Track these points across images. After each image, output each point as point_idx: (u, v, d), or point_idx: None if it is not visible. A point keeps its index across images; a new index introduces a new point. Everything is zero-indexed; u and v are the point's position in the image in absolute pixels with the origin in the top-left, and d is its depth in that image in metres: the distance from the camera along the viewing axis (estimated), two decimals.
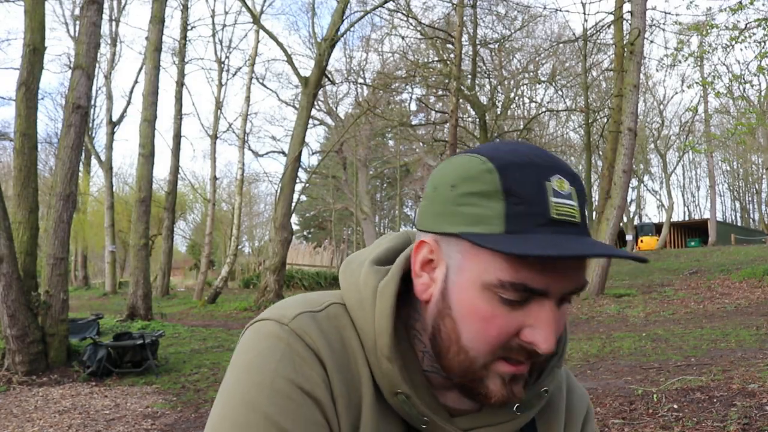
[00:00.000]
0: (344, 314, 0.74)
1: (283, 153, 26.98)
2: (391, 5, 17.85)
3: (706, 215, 42.81)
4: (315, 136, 58.94)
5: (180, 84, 21.82)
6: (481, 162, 0.67)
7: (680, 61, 15.19)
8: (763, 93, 23.81)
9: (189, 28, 22.13)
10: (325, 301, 0.75)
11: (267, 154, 37.79)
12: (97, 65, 8.95)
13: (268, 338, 0.70)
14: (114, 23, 25.94)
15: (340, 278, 0.78)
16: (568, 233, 0.64)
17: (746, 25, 13.99)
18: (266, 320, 0.72)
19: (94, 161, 30.01)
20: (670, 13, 22.43)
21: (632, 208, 39.67)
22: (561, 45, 23.15)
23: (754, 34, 13.82)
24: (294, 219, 36.71)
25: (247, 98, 22.59)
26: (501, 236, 0.63)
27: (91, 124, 28.23)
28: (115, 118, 26.50)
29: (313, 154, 31.71)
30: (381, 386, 0.71)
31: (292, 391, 0.67)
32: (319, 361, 0.69)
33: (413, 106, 28.98)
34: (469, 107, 23.33)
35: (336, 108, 31.00)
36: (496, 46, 22.93)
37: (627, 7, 15.00)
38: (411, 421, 0.72)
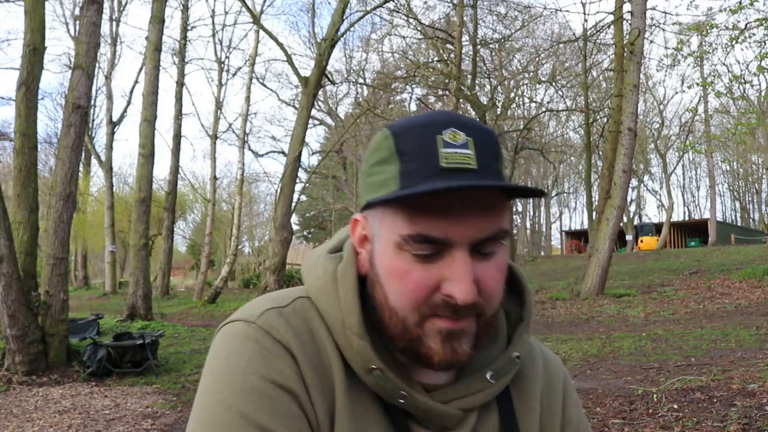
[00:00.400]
0: (310, 306, 0.76)
1: (283, 153, 26.98)
2: (391, 5, 17.87)
3: (706, 215, 42.81)
4: (315, 136, 59.04)
5: (180, 84, 21.82)
6: (383, 132, 0.71)
7: (680, 62, 15.19)
8: (763, 93, 23.81)
9: (189, 28, 22.13)
10: (290, 297, 0.77)
11: (267, 154, 37.81)
12: (97, 65, 8.95)
13: (237, 338, 0.72)
14: (114, 23, 25.96)
15: (302, 273, 0.80)
16: (460, 179, 0.64)
17: (746, 25, 13.99)
18: (235, 321, 0.73)
19: (94, 161, 30.02)
20: (670, 13, 22.47)
21: (632, 208, 39.69)
22: (561, 45, 23.15)
23: (753, 34, 13.83)
24: (294, 219, 36.74)
25: (247, 98, 22.60)
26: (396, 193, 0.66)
27: (91, 124, 28.23)
28: (115, 118, 26.51)
29: (313, 154, 31.71)
30: (354, 366, 0.72)
31: (265, 387, 0.68)
32: (289, 354, 0.70)
33: (413, 106, 28.97)
34: (469, 107, 23.31)
35: (336, 108, 31.00)
36: (497, 46, 22.92)
37: (627, 7, 15.00)
38: (387, 398, 0.72)
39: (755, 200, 47.93)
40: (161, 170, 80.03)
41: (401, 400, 0.72)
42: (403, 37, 21.68)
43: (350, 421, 0.71)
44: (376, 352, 0.71)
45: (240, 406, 0.67)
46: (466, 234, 0.65)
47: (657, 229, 36.01)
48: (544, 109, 26.37)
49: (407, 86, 24.23)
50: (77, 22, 24.86)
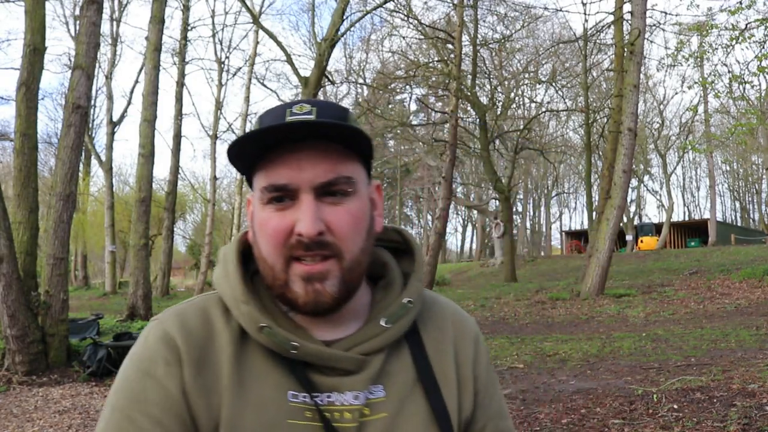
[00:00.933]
0: (213, 296, 0.85)
1: None
2: (391, 5, 17.86)
3: (706, 215, 42.81)
4: None
5: (180, 84, 21.83)
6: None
7: (681, 63, 15.18)
8: (763, 93, 23.81)
9: (189, 28, 22.14)
10: (201, 295, 0.86)
11: None
12: (97, 65, 8.95)
13: (140, 337, 0.82)
14: (114, 23, 25.96)
15: None
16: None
17: (746, 25, 13.99)
18: (146, 327, 0.84)
19: (94, 161, 30.02)
20: (670, 14, 22.41)
21: (632, 208, 39.69)
22: (561, 45, 23.15)
23: (753, 34, 13.83)
24: None
25: (247, 98, 22.61)
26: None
27: (91, 124, 28.24)
28: (115, 118, 26.52)
29: None
30: (248, 330, 0.79)
31: (136, 379, 0.77)
32: (170, 341, 0.78)
33: (413, 106, 28.98)
34: (469, 107, 23.32)
35: None
36: (497, 46, 22.91)
37: (627, 7, 14.99)
38: (282, 351, 0.77)
39: (755, 200, 47.98)
40: (161, 170, 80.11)
41: (293, 351, 0.77)
42: (403, 37, 21.69)
43: (240, 382, 0.77)
44: (263, 313, 0.79)
45: (116, 401, 0.77)
46: (306, 178, 0.75)
47: (657, 229, 36.00)
48: (544, 109, 26.36)
49: (407, 86, 24.23)
50: (77, 22, 24.84)
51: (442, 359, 0.86)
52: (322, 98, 28.98)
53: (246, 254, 0.85)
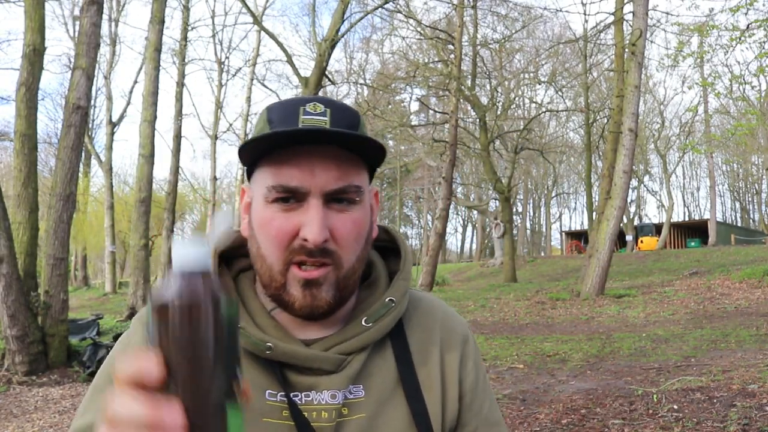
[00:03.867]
0: None
1: None
2: (391, 6, 17.85)
3: (706, 216, 42.81)
4: None
5: (180, 84, 21.82)
6: (262, 110, 0.81)
7: (680, 63, 15.17)
8: (763, 93, 23.80)
9: (189, 28, 22.12)
10: None
11: None
12: (97, 65, 8.95)
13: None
14: (114, 23, 25.94)
15: None
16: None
17: (747, 26, 13.99)
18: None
19: (94, 161, 30.01)
20: (670, 14, 22.36)
21: (632, 209, 39.67)
22: (561, 45, 23.14)
23: (753, 34, 13.82)
24: None
25: (248, 98, 22.61)
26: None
27: (91, 125, 28.23)
28: (115, 119, 26.51)
29: None
30: None
31: (115, 356, 0.81)
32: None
33: (413, 107, 28.98)
34: (469, 107, 23.32)
35: None
36: (497, 46, 22.92)
37: (628, 7, 14.99)
38: (256, 351, 0.77)
39: (755, 201, 47.95)
40: (161, 170, 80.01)
41: (268, 351, 0.77)
42: (404, 37, 21.68)
43: None
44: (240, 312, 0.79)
45: (96, 381, 0.81)
46: (317, 184, 0.74)
47: (657, 229, 35.98)
48: (544, 110, 26.36)
49: (407, 87, 24.24)
50: (77, 22, 24.86)
51: (426, 361, 0.85)
52: None
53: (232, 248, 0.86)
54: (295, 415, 0.76)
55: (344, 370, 0.79)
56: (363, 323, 0.80)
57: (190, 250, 0.50)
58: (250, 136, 0.78)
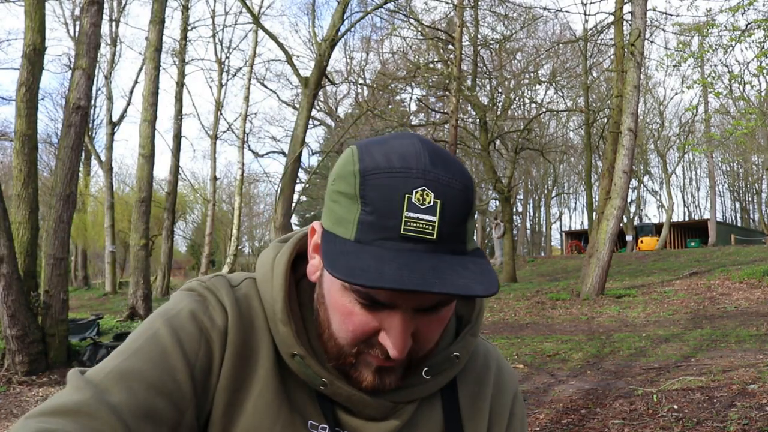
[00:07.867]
0: (254, 287, 0.80)
1: (283, 153, 26.97)
2: (391, 6, 17.85)
3: (706, 216, 42.80)
4: (315, 136, 58.98)
5: (180, 84, 21.83)
6: (353, 162, 0.67)
7: (680, 63, 15.15)
8: (763, 93, 23.79)
9: (189, 28, 22.13)
10: (241, 277, 0.81)
11: (267, 154, 37.80)
12: (97, 65, 8.95)
13: (185, 291, 0.78)
14: (114, 23, 25.92)
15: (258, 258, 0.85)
16: (418, 251, 0.62)
17: (747, 26, 13.98)
18: (190, 282, 0.80)
19: (94, 161, 30.00)
20: (670, 14, 22.38)
21: (632, 209, 39.67)
22: (561, 45, 23.14)
23: (753, 34, 13.81)
24: (294, 219, 36.68)
25: (247, 98, 22.60)
26: (348, 243, 0.64)
27: (91, 124, 28.22)
28: (115, 119, 26.49)
29: (313, 154, 31.70)
30: (280, 350, 0.75)
31: (189, 322, 0.73)
32: (224, 312, 0.75)
33: (413, 107, 28.97)
34: (469, 107, 23.31)
35: (336, 108, 31.01)
36: (497, 46, 22.91)
37: (627, 7, 14.99)
38: (311, 383, 0.74)
39: (755, 201, 47.92)
40: (161, 170, 79.99)
41: (322, 387, 0.74)
42: (404, 37, 21.68)
43: (274, 398, 0.74)
44: (298, 339, 0.74)
45: (158, 326, 0.72)
46: (409, 302, 0.65)
47: (657, 229, 36.00)
48: (544, 110, 26.35)
49: (407, 86, 24.23)
50: (77, 22, 24.86)
51: (474, 416, 0.82)
52: (322, 98, 29.01)
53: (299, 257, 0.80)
54: None
55: (393, 419, 0.77)
56: (423, 374, 0.77)
57: None
58: (333, 179, 0.69)
